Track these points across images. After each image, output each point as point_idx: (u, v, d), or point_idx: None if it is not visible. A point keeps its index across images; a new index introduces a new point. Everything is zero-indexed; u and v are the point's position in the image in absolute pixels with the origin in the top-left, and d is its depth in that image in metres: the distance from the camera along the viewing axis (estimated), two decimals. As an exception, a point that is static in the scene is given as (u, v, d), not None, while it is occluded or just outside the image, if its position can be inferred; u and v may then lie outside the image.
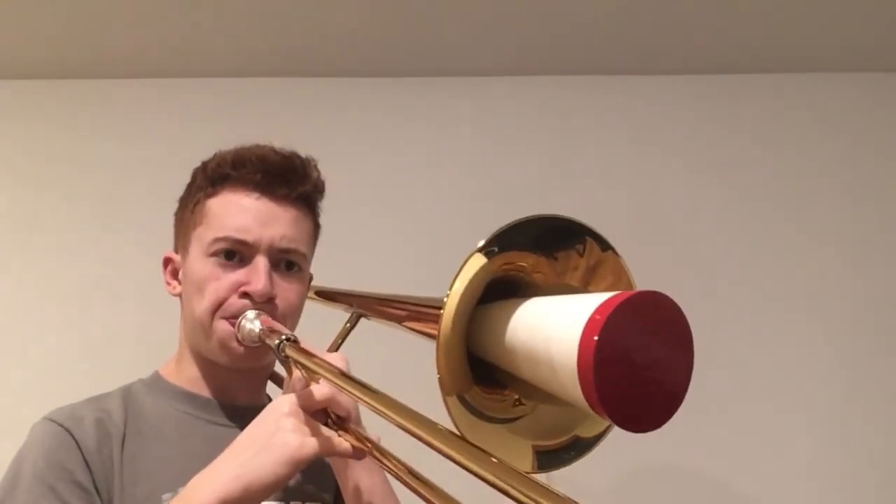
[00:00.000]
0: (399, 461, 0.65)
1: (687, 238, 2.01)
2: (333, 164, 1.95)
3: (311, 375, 0.79)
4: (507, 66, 2.04)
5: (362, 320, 1.00)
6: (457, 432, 0.59)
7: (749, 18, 1.86)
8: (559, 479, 2.08)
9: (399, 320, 0.85)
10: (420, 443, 0.56)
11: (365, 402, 0.67)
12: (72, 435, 0.86)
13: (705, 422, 1.87)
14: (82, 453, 0.85)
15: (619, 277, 0.65)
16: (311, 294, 1.07)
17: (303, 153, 1.02)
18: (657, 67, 2.05)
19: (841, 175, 2.05)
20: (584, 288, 0.65)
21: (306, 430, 0.73)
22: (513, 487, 0.45)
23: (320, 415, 0.78)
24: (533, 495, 0.44)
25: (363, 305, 0.99)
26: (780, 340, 1.95)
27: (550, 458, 0.65)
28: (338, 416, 0.78)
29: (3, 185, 1.96)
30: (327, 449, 0.73)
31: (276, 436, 0.71)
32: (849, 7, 1.81)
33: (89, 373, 1.77)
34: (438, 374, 0.61)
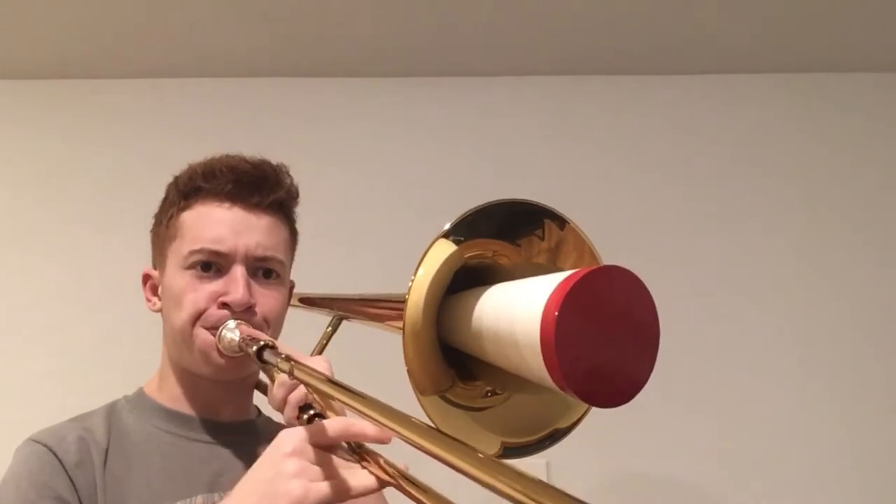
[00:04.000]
0: (434, 493, 0.57)
1: (683, 237, 2.01)
2: (332, 164, 1.98)
3: (295, 379, 0.75)
4: (507, 66, 2.04)
5: (345, 323, 1.00)
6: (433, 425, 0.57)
7: (749, 18, 1.85)
8: (556, 484, 2.07)
9: (379, 319, 0.85)
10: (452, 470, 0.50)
11: (348, 405, 0.62)
12: (54, 454, 0.86)
13: (698, 424, 1.88)
14: (66, 471, 0.85)
15: (582, 252, 0.65)
16: (294, 301, 1.07)
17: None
18: (657, 67, 2.05)
19: (841, 175, 2.05)
20: (552, 266, 0.64)
21: (314, 471, 0.64)
22: (518, 491, 0.43)
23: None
24: (536, 496, 0.41)
25: (343, 307, 0.99)
26: (775, 341, 1.95)
27: (517, 450, 0.64)
28: (358, 444, 0.69)
29: (2, 185, 1.96)
30: (341, 492, 0.64)
31: (277, 482, 0.63)
32: (849, 7, 1.81)
33: (89, 373, 1.78)
34: (407, 366, 0.60)
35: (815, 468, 1.87)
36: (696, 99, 2.08)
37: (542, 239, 0.65)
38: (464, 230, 0.62)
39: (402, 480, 0.60)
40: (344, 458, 0.67)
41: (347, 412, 0.71)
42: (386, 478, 0.63)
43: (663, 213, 2.02)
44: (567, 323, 0.51)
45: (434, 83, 2.07)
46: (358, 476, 0.65)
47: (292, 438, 0.66)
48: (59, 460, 0.86)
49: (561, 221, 0.65)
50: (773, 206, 2.03)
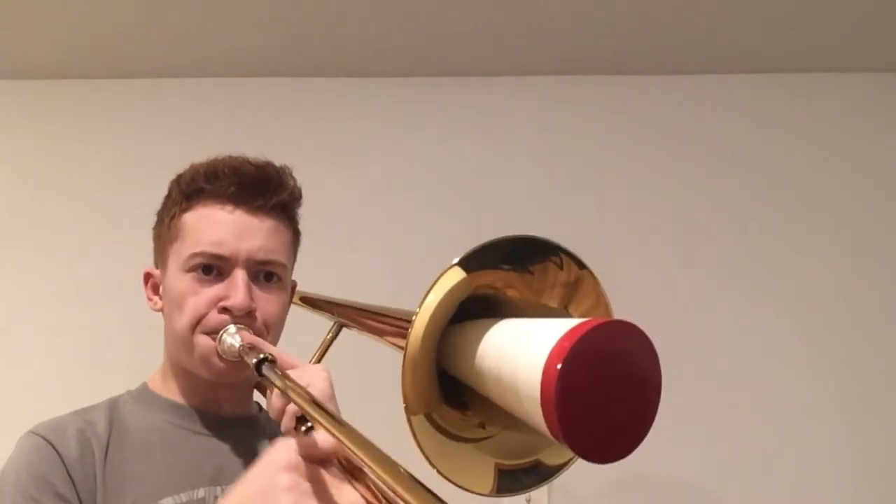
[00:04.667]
0: None
1: (683, 238, 2.01)
2: (332, 164, 1.98)
3: (288, 398, 0.76)
4: (507, 66, 2.04)
5: (345, 329, 0.99)
6: (420, 452, 0.58)
7: (750, 18, 1.85)
8: (557, 487, 2.07)
9: (378, 333, 0.85)
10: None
11: (331, 433, 0.62)
12: (54, 447, 0.86)
13: (698, 428, 1.88)
14: (64, 465, 0.86)
15: (598, 301, 0.64)
16: (295, 300, 1.07)
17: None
18: (657, 67, 2.05)
19: (842, 175, 2.05)
20: (562, 309, 0.64)
21: (305, 486, 0.65)
22: None
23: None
24: None
25: (345, 315, 0.98)
26: (776, 342, 1.95)
27: (511, 481, 0.64)
28: (347, 461, 0.70)
29: (2, 185, 1.96)
30: None
31: (269, 496, 0.64)
32: (849, 7, 1.81)
33: (89, 373, 1.78)
34: (403, 392, 0.60)
35: (816, 470, 1.87)
36: (696, 99, 2.08)
37: (556, 280, 0.64)
38: (475, 259, 0.62)
39: (388, 502, 0.60)
40: (334, 475, 0.68)
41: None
42: (371, 498, 0.63)
43: (663, 213, 2.02)
44: (569, 378, 0.51)
45: (434, 83, 2.07)
46: (346, 494, 0.65)
47: (287, 452, 0.66)
48: (59, 454, 0.86)
49: (579, 264, 0.64)
50: (773, 206, 2.03)
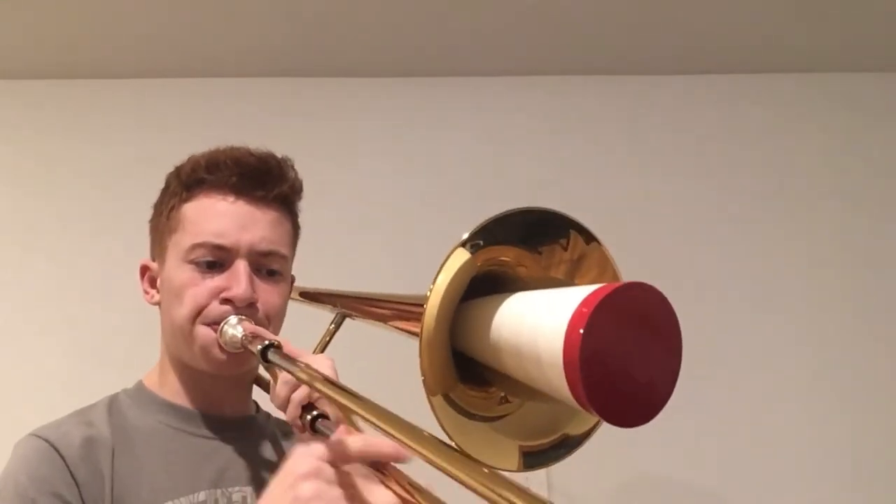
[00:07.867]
0: None
1: (684, 238, 2.00)
2: (332, 164, 1.98)
3: (300, 381, 0.75)
4: (507, 66, 2.04)
5: (347, 320, 0.99)
6: (444, 435, 0.57)
7: (749, 18, 1.85)
8: (557, 487, 2.06)
9: (383, 319, 0.84)
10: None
11: (352, 410, 0.61)
12: (56, 450, 0.84)
13: (698, 428, 1.87)
14: (67, 467, 0.83)
15: (605, 269, 0.64)
16: (295, 295, 1.06)
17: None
18: (657, 67, 2.05)
19: (843, 175, 2.05)
20: (569, 281, 0.64)
21: (331, 494, 0.60)
22: (504, 498, 0.44)
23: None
24: None
25: (347, 305, 0.98)
26: (776, 345, 1.95)
27: (536, 458, 0.63)
28: (378, 461, 0.65)
29: (2, 184, 1.96)
30: None
31: None
32: (849, 7, 1.81)
33: (89, 372, 1.78)
34: (422, 373, 0.59)
35: (817, 471, 1.87)
36: (697, 99, 2.08)
37: (565, 250, 0.64)
38: (484, 236, 0.61)
39: (424, 499, 0.57)
40: (365, 477, 0.63)
41: (361, 422, 0.68)
42: (407, 497, 0.59)
43: (664, 214, 2.02)
44: (592, 340, 0.50)
45: (434, 83, 2.07)
46: (379, 496, 0.61)
47: (307, 458, 0.62)
48: (61, 456, 0.84)
49: (587, 236, 0.64)
50: (773, 206, 2.03)
